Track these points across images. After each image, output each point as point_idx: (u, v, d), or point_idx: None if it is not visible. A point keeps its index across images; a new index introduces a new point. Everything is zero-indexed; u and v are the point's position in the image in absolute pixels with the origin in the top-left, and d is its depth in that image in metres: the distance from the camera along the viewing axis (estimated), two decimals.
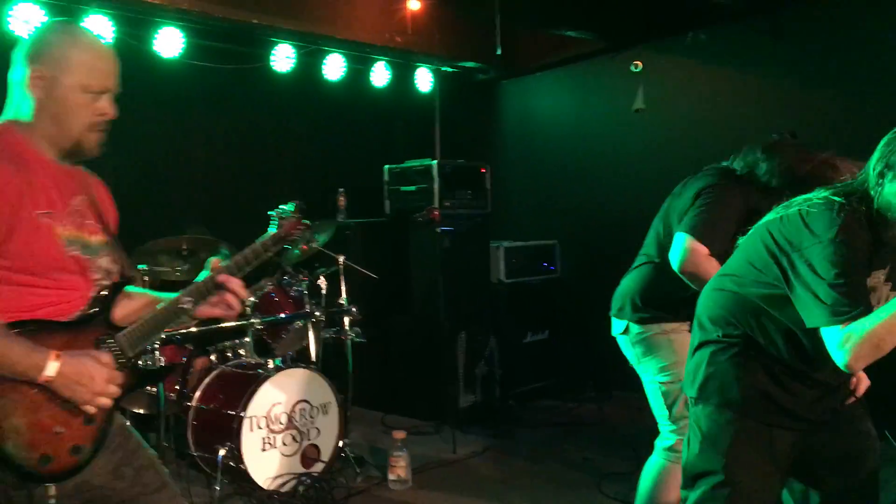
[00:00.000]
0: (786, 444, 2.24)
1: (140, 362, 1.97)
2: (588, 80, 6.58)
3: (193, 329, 4.22)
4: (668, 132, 5.92)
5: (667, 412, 3.05)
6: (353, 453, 4.46)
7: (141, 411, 4.40)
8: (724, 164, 3.08)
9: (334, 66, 6.05)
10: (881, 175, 2.04)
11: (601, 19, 5.87)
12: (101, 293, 1.97)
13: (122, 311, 2.03)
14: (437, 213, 5.10)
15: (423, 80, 6.71)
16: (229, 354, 4.55)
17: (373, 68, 6.34)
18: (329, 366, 4.70)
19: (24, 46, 1.96)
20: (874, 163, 2.07)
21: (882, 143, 2.10)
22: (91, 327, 1.91)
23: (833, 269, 1.98)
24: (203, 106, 5.65)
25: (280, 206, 2.13)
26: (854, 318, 1.93)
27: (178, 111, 5.50)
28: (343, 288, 4.64)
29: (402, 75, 6.58)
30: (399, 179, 5.80)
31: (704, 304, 2.41)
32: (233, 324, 4.34)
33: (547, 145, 6.80)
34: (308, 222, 2.16)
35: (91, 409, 1.83)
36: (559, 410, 5.84)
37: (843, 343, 1.94)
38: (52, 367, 1.76)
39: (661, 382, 3.02)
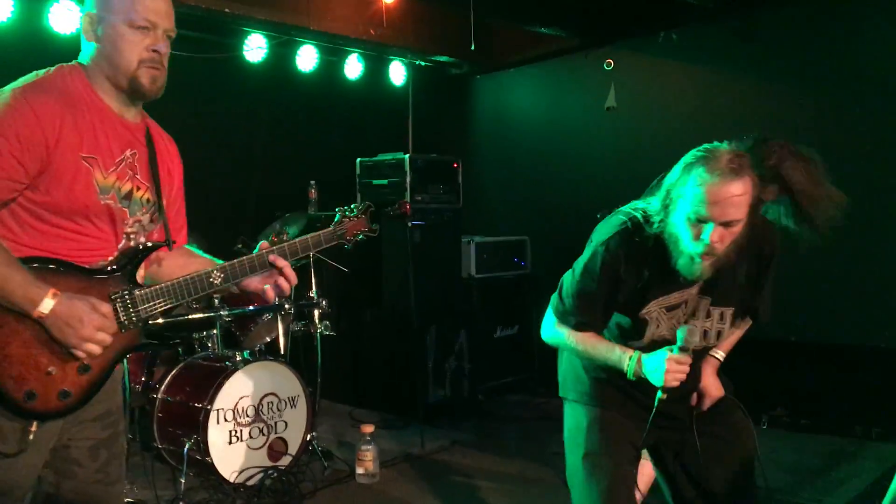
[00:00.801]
0: (643, 432, 2.40)
1: (150, 322, 1.96)
2: (561, 77, 6.60)
3: (160, 321, 4.18)
4: (639, 130, 5.96)
5: None
6: (321, 447, 4.44)
7: None
8: None
9: (307, 58, 6.00)
10: (665, 207, 2.17)
11: (574, 17, 5.90)
12: (133, 248, 1.96)
13: (170, 264, 2.07)
14: (408, 206, 5.06)
15: (397, 73, 6.69)
16: (196, 346, 4.51)
17: (346, 60, 6.30)
18: (298, 359, 4.69)
19: None
20: (662, 191, 2.20)
21: (673, 172, 2.19)
22: (111, 279, 1.89)
23: (579, 272, 2.34)
24: (173, 96, 5.49)
25: (348, 205, 2.18)
26: (565, 320, 2.39)
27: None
28: (313, 281, 4.61)
29: (376, 68, 6.55)
30: (371, 173, 5.78)
31: None
32: (200, 315, 4.30)
33: (519, 141, 6.81)
34: (377, 227, 2.19)
35: (80, 354, 1.82)
36: (528, 405, 5.86)
37: (551, 326, 2.45)
38: (46, 305, 1.75)
39: None
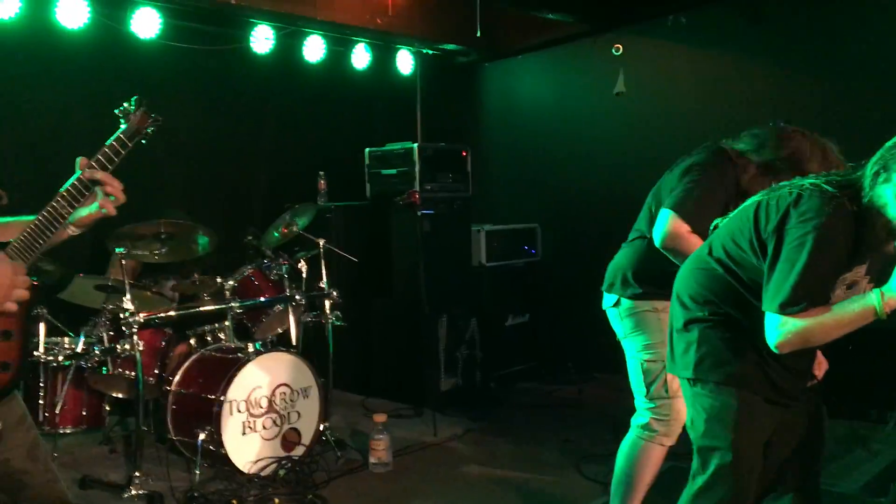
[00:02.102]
0: (775, 420, 2.35)
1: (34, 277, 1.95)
2: (569, 64, 6.56)
3: (173, 313, 4.20)
4: (648, 115, 5.93)
5: (645, 390, 3.07)
6: (334, 437, 4.46)
7: (120, 396, 4.39)
8: (722, 143, 3.07)
9: (314, 48, 5.99)
10: (876, 175, 2.05)
11: (582, 2, 5.86)
12: None
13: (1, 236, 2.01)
14: (417, 196, 5.09)
15: (404, 62, 6.67)
16: (209, 338, 4.53)
17: (353, 50, 6.29)
18: (310, 349, 4.70)
19: None
20: (873, 162, 2.08)
21: (884, 146, 2.09)
22: None
23: (804, 258, 2.05)
24: (181, 88, 5.59)
25: (122, 105, 2.15)
26: (797, 314, 2.07)
27: (156, 93, 5.40)
28: (324, 271, 4.62)
29: (383, 57, 6.54)
30: (380, 162, 5.78)
31: (685, 281, 2.44)
32: (212, 307, 4.32)
33: (528, 128, 6.79)
34: (155, 115, 2.16)
35: (11, 307, 1.82)
36: (540, 393, 5.87)
37: (778, 326, 2.10)
38: None
39: (643, 360, 3.04)
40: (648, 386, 3.06)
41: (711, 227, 2.51)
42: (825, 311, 2.08)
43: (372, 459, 4.23)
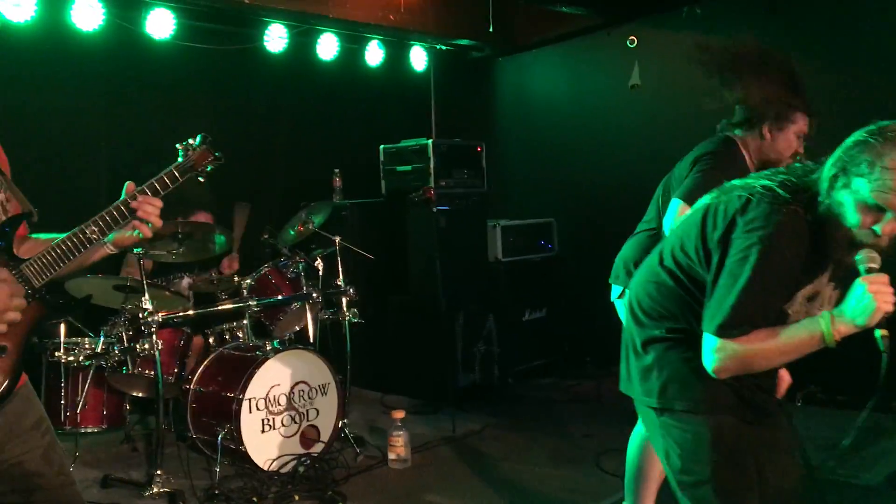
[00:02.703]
0: (755, 440, 2.14)
1: (49, 294, 1.96)
2: (583, 57, 6.53)
3: (191, 312, 4.22)
4: (663, 108, 5.88)
5: None
6: (353, 433, 4.47)
7: (140, 394, 4.41)
8: (727, 130, 3.10)
9: (327, 46, 6.00)
10: (834, 178, 1.87)
11: None
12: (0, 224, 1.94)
13: (28, 252, 2.00)
14: (432, 192, 5.08)
15: (418, 58, 6.66)
16: (227, 337, 4.55)
17: (366, 47, 6.29)
18: (327, 347, 4.71)
19: None
20: (830, 164, 1.90)
21: (842, 145, 1.90)
22: None
23: (746, 274, 1.86)
24: (196, 87, 5.61)
25: (187, 140, 2.18)
26: (736, 338, 1.88)
27: (171, 93, 5.46)
28: (340, 269, 4.62)
29: (396, 54, 6.53)
30: (394, 159, 5.77)
31: (639, 293, 2.24)
32: (230, 306, 4.34)
33: (543, 122, 6.76)
34: (218, 154, 2.19)
35: (2, 327, 1.82)
36: (558, 388, 5.85)
37: (715, 350, 1.91)
38: None
39: None
40: None
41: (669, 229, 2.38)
42: (769, 335, 1.89)
43: (391, 456, 4.23)
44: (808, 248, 1.90)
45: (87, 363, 4.19)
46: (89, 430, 4.38)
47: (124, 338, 4.14)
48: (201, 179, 2.18)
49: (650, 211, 3.20)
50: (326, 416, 4.29)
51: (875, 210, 1.81)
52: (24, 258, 1.92)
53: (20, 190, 2.04)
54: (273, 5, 5.35)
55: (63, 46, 4.87)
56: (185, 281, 4.75)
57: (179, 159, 2.14)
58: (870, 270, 1.86)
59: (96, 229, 1.97)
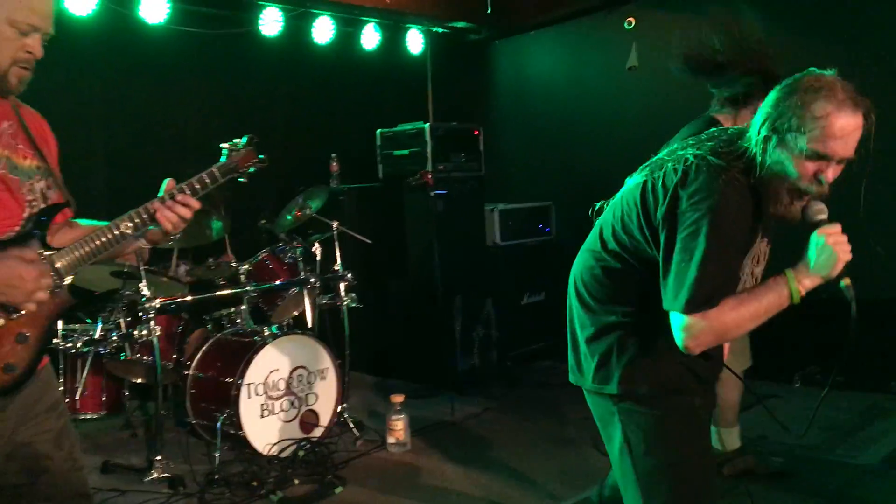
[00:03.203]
0: (708, 414, 2.17)
1: (75, 283, 1.96)
2: (581, 38, 6.49)
3: (189, 298, 4.22)
4: (662, 90, 5.84)
5: None
6: (352, 418, 4.48)
7: (139, 381, 4.42)
8: (712, 111, 3.12)
9: (323, 30, 5.95)
10: (766, 140, 1.86)
11: None
12: (37, 213, 1.95)
13: (64, 237, 2.01)
14: (430, 176, 5.07)
15: (414, 41, 6.62)
16: (225, 323, 4.55)
17: (362, 31, 6.24)
18: (325, 332, 4.71)
19: None
20: (758, 126, 1.89)
21: (767, 102, 1.90)
22: (25, 246, 1.87)
23: (701, 247, 1.83)
24: (190, 72, 5.57)
25: (233, 140, 2.19)
26: (706, 311, 1.83)
27: (165, 78, 5.42)
28: (338, 253, 4.62)
29: (393, 37, 6.49)
30: (391, 143, 5.75)
31: (584, 280, 2.18)
32: (227, 292, 4.34)
33: (541, 105, 6.73)
34: (263, 157, 2.20)
35: (31, 307, 1.82)
36: (557, 371, 5.84)
37: (686, 327, 1.86)
38: None
39: None
40: None
41: (595, 210, 2.31)
42: (738, 303, 1.86)
43: (390, 440, 4.24)
44: (752, 211, 1.90)
45: (85, 349, 4.19)
46: (89, 417, 4.38)
47: (122, 324, 4.13)
48: (242, 180, 2.19)
49: None
50: (325, 401, 4.30)
51: (816, 159, 1.83)
52: (57, 248, 1.92)
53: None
54: None
55: (57, 31, 4.78)
56: (183, 267, 4.74)
57: (222, 159, 2.15)
58: (822, 222, 1.88)
59: (131, 225, 1.98)
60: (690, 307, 1.84)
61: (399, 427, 4.23)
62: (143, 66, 5.25)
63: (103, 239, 1.96)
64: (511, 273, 5.97)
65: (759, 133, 1.88)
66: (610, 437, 2.16)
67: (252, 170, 2.19)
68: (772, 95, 1.90)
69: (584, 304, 2.17)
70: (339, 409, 4.35)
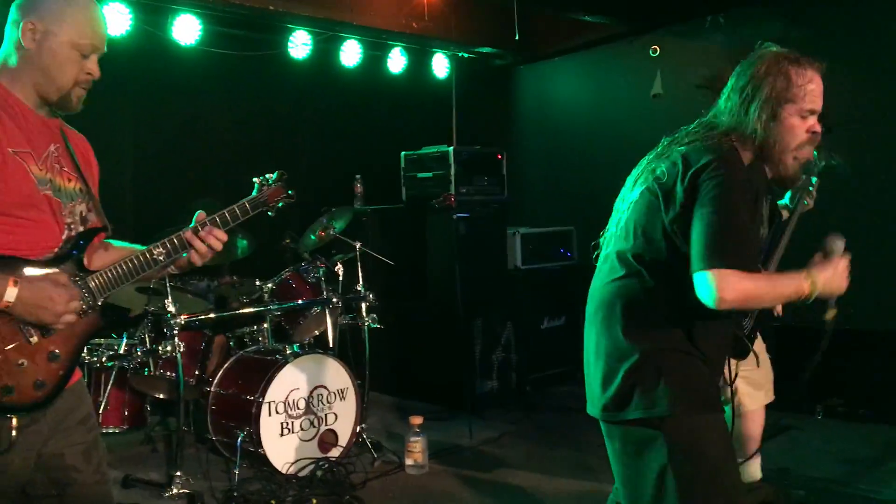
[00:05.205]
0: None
1: (107, 309, 2.01)
2: (606, 65, 6.53)
3: (212, 315, 4.27)
4: (686, 117, 5.78)
5: None
6: (371, 438, 4.49)
7: (161, 396, 4.45)
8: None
9: (351, 53, 6.04)
10: (760, 112, 2.08)
11: (619, 3, 5.82)
12: (75, 235, 2.00)
13: (99, 259, 2.07)
14: (453, 199, 5.10)
15: (440, 65, 6.70)
16: (247, 340, 4.59)
17: (389, 54, 6.33)
18: (346, 351, 4.73)
19: None
20: (740, 107, 2.11)
21: (742, 84, 2.15)
22: (62, 268, 1.93)
23: (723, 211, 1.94)
24: (220, 93, 5.68)
25: (264, 175, 2.29)
26: (736, 267, 1.91)
27: (196, 98, 5.52)
28: (360, 274, 4.65)
29: (419, 61, 6.57)
30: (415, 166, 5.80)
31: (614, 311, 2.17)
32: (251, 310, 4.38)
33: (564, 131, 6.76)
34: (291, 192, 2.31)
35: (60, 325, 1.87)
36: (576, 396, 5.78)
37: (712, 282, 1.90)
38: (10, 293, 1.78)
39: None
40: None
41: (595, 247, 2.41)
42: (763, 277, 2.08)
43: (408, 461, 4.24)
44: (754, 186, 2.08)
45: (109, 364, 4.24)
46: (111, 431, 4.42)
47: (147, 339, 4.18)
48: (270, 214, 2.29)
49: None
50: (344, 421, 4.31)
51: (808, 116, 2.11)
52: (91, 270, 1.98)
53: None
54: (298, 12, 5.40)
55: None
56: (206, 283, 4.80)
57: (254, 193, 2.24)
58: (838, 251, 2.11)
59: (164, 251, 2.06)
60: (718, 262, 1.91)
61: (417, 449, 4.23)
62: (174, 86, 5.35)
63: (135, 262, 2.02)
64: (531, 297, 5.98)
65: (756, 113, 2.08)
66: (644, 465, 2.10)
67: (280, 204, 2.30)
68: (748, 78, 2.14)
69: (611, 335, 2.17)
70: (357, 429, 4.37)
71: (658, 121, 6.03)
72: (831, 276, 2.04)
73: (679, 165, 2.05)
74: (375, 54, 6.27)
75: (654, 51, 6.00)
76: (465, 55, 6.81)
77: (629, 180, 2.30)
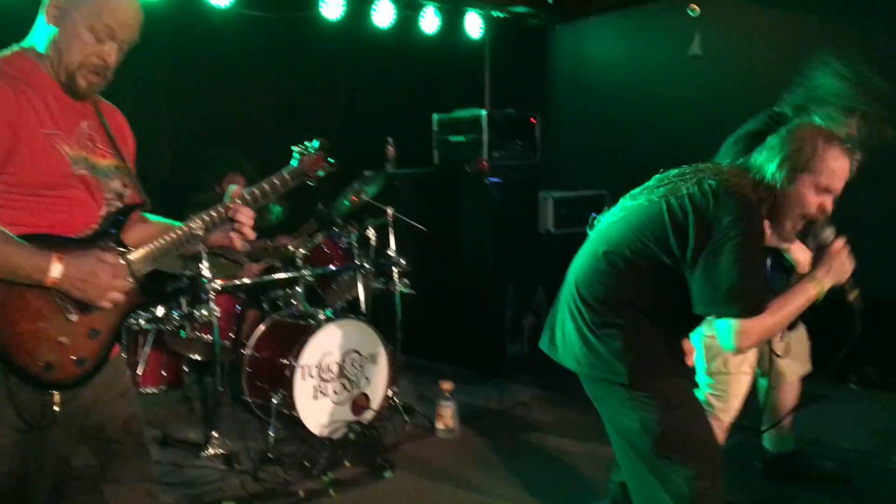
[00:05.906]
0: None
1: (149, 283, 2.03)
2: (643, 25, 6.39)
3: (247, 281, 4.33)
4: (725, 79, 5.74)
5: (705, 365, 3.08)
6: (402, 402, 4.55)
7: (198, 358, 4.54)
8: (776, 108, 3.08)
9: (384, 13, 5.97)
10: (785, 177, 2.20)
11: None
12: (113, 212, 2.02)
13: (137, 234, 2.08)
14: (485, 163, 5.07)
15: (473, 26, 6.60)
16: (281, 304, 4.65)
17: (422, 14, 6.25)
18: (378, 316, 4.77)
19: None
20: (770, 163, 2.22)
21: (780, 144, 2.24)
22: (101, 245, 1.94)
23: (744, 261, 2.09)
24: (254, 55, 5.65)
25: (304, 143, 2.22)
26: (752, 311, 2.13)
27: (231, 61, 5.51)
28: (392, 239, 4.67)
29: (452, 21, 6.48)
30: (448, 129, 5.75)
31: (588, 283, 2.40)
32: (284, 276, 4.43)
33: (599, 93, 6.66)
34: (332, 161, 2.24)
35: (106, 304, 1.89)
36: None
37: (741, 332, 2.14)
38: (56, 269, 1.80)
39: (705, 335, 3.02)
40: (709, 362, 3.07)
41: (592, 221, 2.62)
42: (777, 307, 2.19)
43: (438, 426, 4.30)
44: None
45: (147, 326, 4.33)
46: (149, 391, 4.54)
47: (183, 303, 4.25)
48: (311, 184, 2.24)
49: None
50: (377, 385, 4.37)
51: (823, 193, 2.22)
52: (131, 247, 2.00)
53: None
54: None
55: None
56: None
57: (293, 163, 2.19)
58: (831, 241, 2.30)
59: (202, 225, 2.05)
60: (745, 312, 2.13)
61: (448, 414, 4.29)
62: (210, 49, 5.35)
63: (174, 236, 2.03)
64: (563, 261, 5.84)
65: (776, 170, 2.22)
66: (621, 421, 2.37)
67: (321, 174, 2.23)
68: (782, 139, 2.25)
69: (585, 302, 2.38)
70: (389, 393, 4.43)
71: (696, 83, 5.93)
72: (833, 267, 2.25)
73: (709, 198, 2.17)
74: (408, 14, 6.18)
75: (694, 10, 5.85)
76: (500, 14, 6.69)
77: (648, 184, 2.45)
